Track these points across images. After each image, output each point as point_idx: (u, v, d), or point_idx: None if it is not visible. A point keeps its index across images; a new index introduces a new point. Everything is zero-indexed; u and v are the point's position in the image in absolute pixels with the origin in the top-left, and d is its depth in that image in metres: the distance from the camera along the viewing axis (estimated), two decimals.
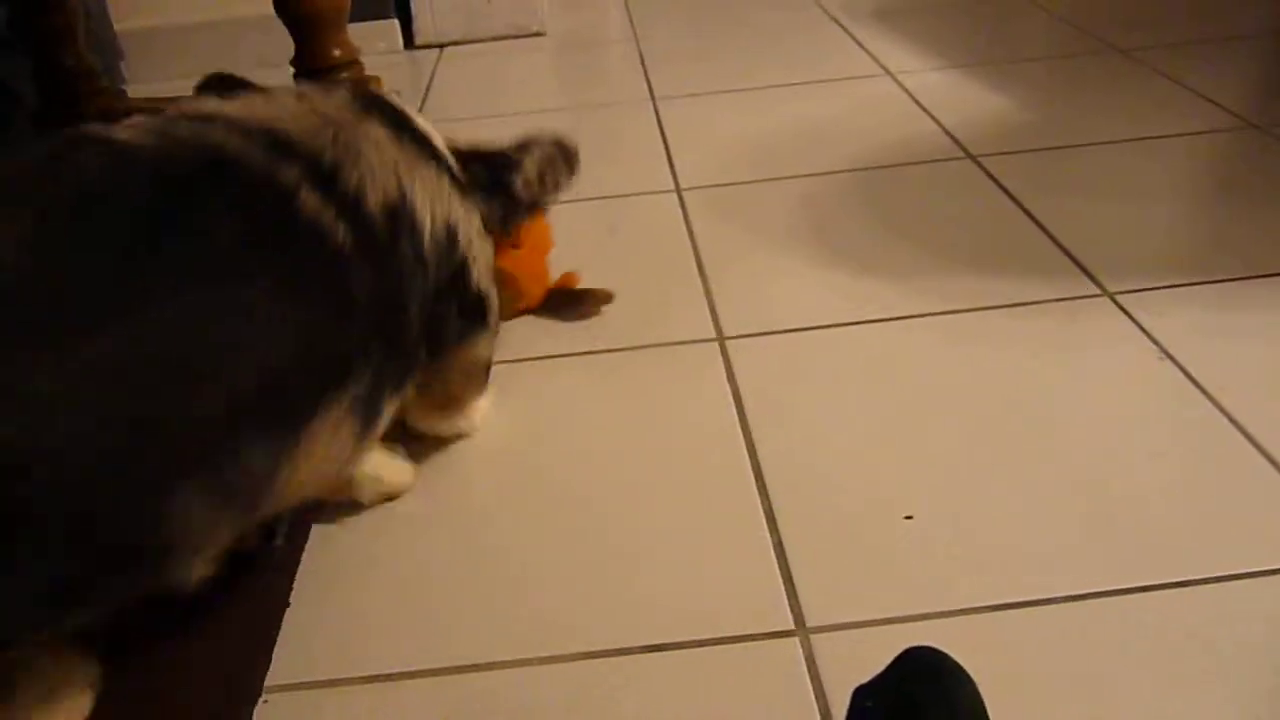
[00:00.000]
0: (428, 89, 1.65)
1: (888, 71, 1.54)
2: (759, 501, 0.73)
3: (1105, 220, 1.06)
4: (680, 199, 1.19)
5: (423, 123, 0.73)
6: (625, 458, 0.79)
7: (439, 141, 0.73)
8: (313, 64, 1.21)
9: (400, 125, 0.68)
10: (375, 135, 0.65)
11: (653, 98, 1.53)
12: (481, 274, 0.73)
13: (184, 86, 1.52)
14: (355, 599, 0.68)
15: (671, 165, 1.28)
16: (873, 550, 0.68)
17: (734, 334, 0.92)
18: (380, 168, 0.63)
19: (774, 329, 0.92)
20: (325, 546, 0.72)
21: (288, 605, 0.68)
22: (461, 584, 0.68)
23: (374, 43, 1.83)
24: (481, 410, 0.82)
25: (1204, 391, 0.79)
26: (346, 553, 0.72)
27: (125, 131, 0.57)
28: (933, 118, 1.35)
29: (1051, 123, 1.32)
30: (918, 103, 1.41)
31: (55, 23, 1.29)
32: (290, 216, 0.57)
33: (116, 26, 1.84)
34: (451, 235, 0.69)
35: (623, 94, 1.57)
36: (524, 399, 0.87)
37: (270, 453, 0.55)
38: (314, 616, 0.67)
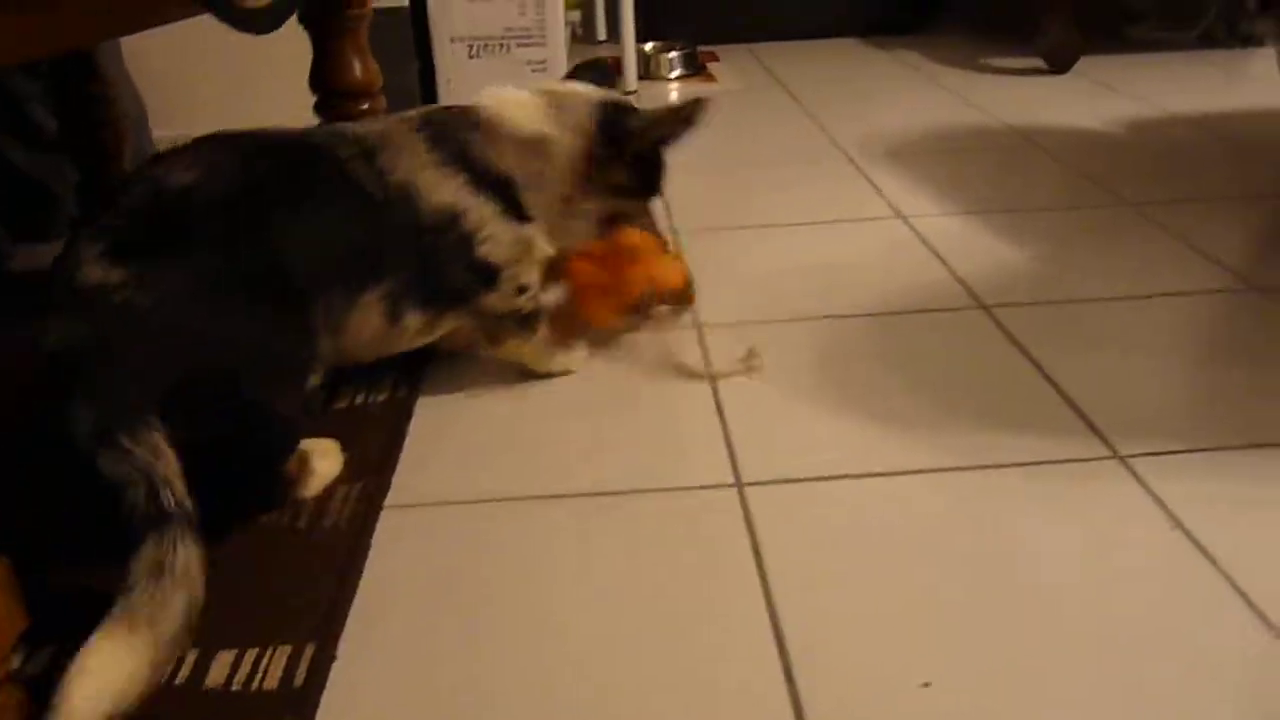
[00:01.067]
0: None
1: (900, 215, 1.59)
2: (778, 658, 0.73)
3: (1114, 378, 1.09)
4: (700, 336, 1.22)
5: (480, 142, 1.02)
6: (635, 604, 0.80)
7: (486, 154, 1.02)
8: None
9: (444, 143, 1.00)
10: (415, 145, 0.99)
11: (672, 230, 1.57)
12: (490, 251, 1.01)
13: None
14: None
15: None
16: (891, 718, 0.68)
17: (752, 480, 0.94)
18: (405, 164, 0.97)
19: (792, 477, 0.94)
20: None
21: None
22: None
23: None
24: (528, 349, 1.11)
25: (1217, 566, 0.80)
26: None
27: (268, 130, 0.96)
28: (945, 264, 1.39)
29: (1061, 275, 1.36)
30: (930, 248, 1.45)
31: (103, 137, 1.34)
32: (346, 173, 0.94)
33: (155, 134, 1.91)
34: (453, 217, 0.98)
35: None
36: (521, 539, 0.88)
37: (347, 298, 0.93)
38: None
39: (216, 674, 0.74)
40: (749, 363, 1.12)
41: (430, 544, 0.88)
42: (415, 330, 1.02)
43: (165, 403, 0.77)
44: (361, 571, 0.84)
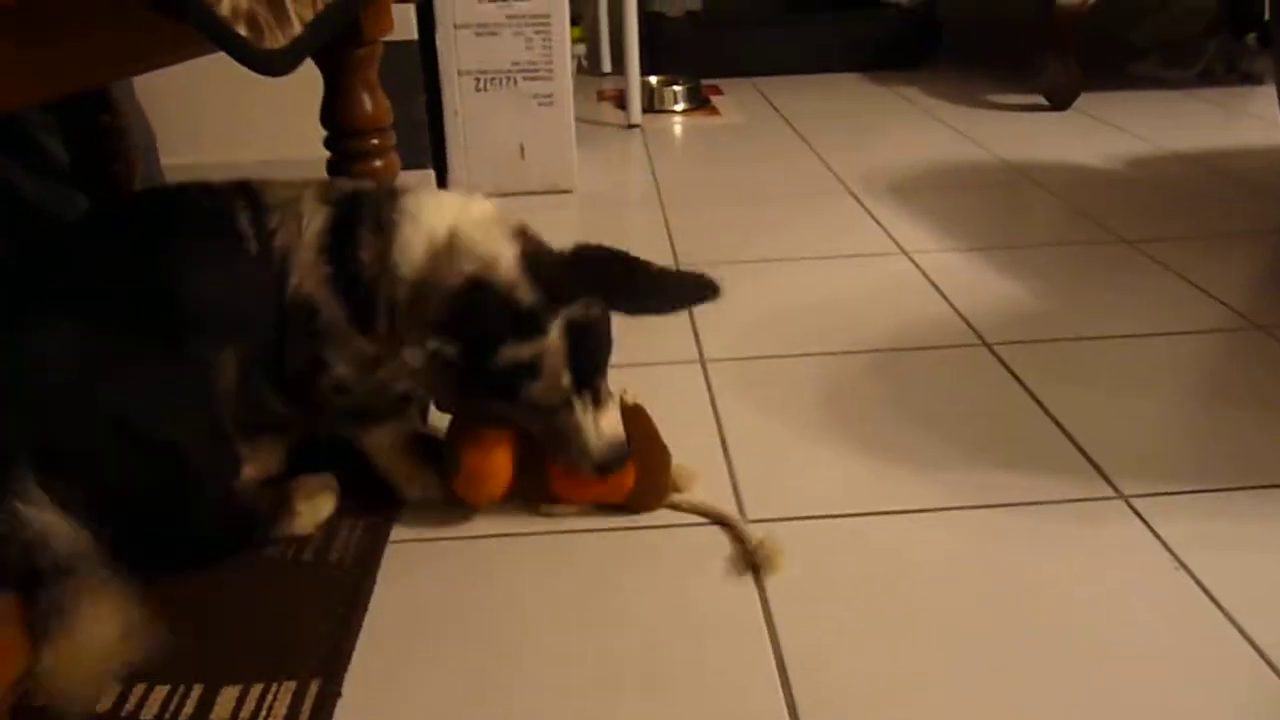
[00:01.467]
0: None
1: (903, 250, 1.60)
2: (782, 695, 0.73)
3: (1116, 417, 1.09)
4: (704, 370, 1.23)
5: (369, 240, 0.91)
6: (640, 639, 0.80)
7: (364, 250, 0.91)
8: None
9: (335, 226, 0.91)
10: (312, 214, 0.91)
11: (676, 264, 1.58)
12: (333, 361, 0.91)
13: None
14: None
15: (696, 335, 1.32)
16: None
17: (757, 518, 0.94)
18: (290, 233, 0.90)
19: (797, 514, 0.94)
20: None
21: None
22: None
23: None
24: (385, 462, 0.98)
25: (1220, 608, 0.80)
26: None
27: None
28: (948, 301, 1.40)
29: (1062, 312, 1.37)
30: (933, 284, 1.46)
31: (114, 170, 1.35)
32: (229, 223, 0.90)
33: (165, 162, 1.92)
34: (308, 304, 0.89)
35: (647, 258, 1.62)
36: (526, 574, 0.88)
37: (216, 344, 0.86)
38: None
39: (222, 710, 0.74)
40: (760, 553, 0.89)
41: (436, 579, 0.88)
42: (276, 410, 0.93)
43: (51, 463, 0.77)
44: (367, 607, 0.84)
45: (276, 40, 0.70)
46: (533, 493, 0.96)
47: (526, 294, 0.86)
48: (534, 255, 0.89)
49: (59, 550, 0.74)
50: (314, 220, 0.91)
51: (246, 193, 0.92)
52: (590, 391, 0.90)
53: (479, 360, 0.85)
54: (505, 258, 0.87)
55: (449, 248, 0.89)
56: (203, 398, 0.87)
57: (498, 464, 0.93)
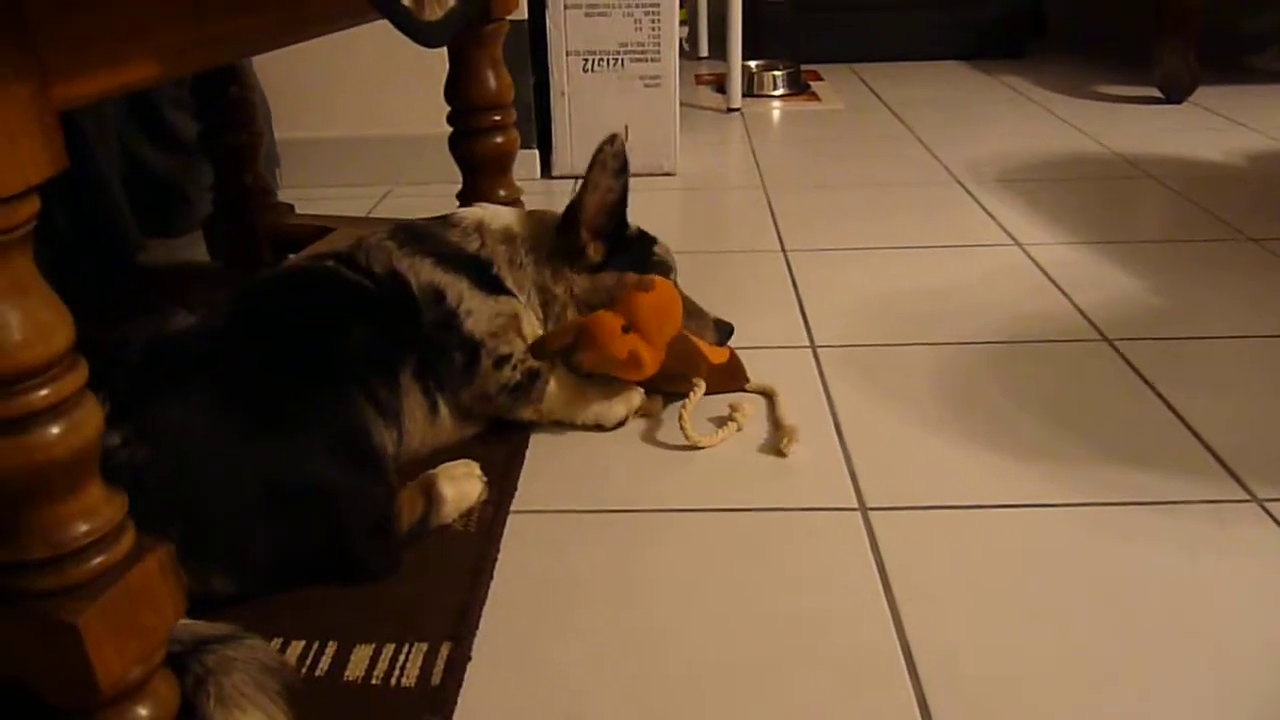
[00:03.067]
0: None
1: (1016, 242, 1.57)
2: (911, 690, 0.73)
3: (1244, 418, 1.06)
4: (815, 356, 1.22)
5: (455, 236, 1.08)
6: (760, 622, 0.80)
7: (452, 243, 1.07)
8: (479, 200, 1.28)
9: (416, 238, 1.05)
10: (389, 243, 1.04)
11: (783, 248, 1.58)
12: (472, 325, 1.02)
13: (334, 194, 1.67)
14: None
15: (805, 320, 1.32)
16: None
17: (877, 505, 0.93)
18: (381, 256, 1.02)
19: (918, 504, 0.93)
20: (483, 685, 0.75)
21: None
22: None
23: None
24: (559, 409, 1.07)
25: None
26: None
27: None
28: (1065, 294, 1.37)
29: (1184, 309, 1.33)
30: (1049, 277, 1.43)
31: (240, 143, 1.39)
32: (341, 279, 1.00)
33: (278, 136, 1.97)
34: (437, 294, 1.01)
35: (753, 242, 1.63)
36: (644, 550, 0.89)
37: (390, 384, 0.96)
38: None
39: (355, 667, 0.76)
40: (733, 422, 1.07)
41: (557, 549, 0.89)
42: (450, 419, 1.03)
43: (209, 536, 0.78)
44: (492, 574, 0.86)
45: (434, 13, 0.71)
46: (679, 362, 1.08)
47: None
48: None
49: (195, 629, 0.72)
50: (389, 243, 1.04)
51: (325, 255, 1.05)
52: None
53: (619, 239, 1.11)
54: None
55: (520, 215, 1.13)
56: (351, 434, 0.88)
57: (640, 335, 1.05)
